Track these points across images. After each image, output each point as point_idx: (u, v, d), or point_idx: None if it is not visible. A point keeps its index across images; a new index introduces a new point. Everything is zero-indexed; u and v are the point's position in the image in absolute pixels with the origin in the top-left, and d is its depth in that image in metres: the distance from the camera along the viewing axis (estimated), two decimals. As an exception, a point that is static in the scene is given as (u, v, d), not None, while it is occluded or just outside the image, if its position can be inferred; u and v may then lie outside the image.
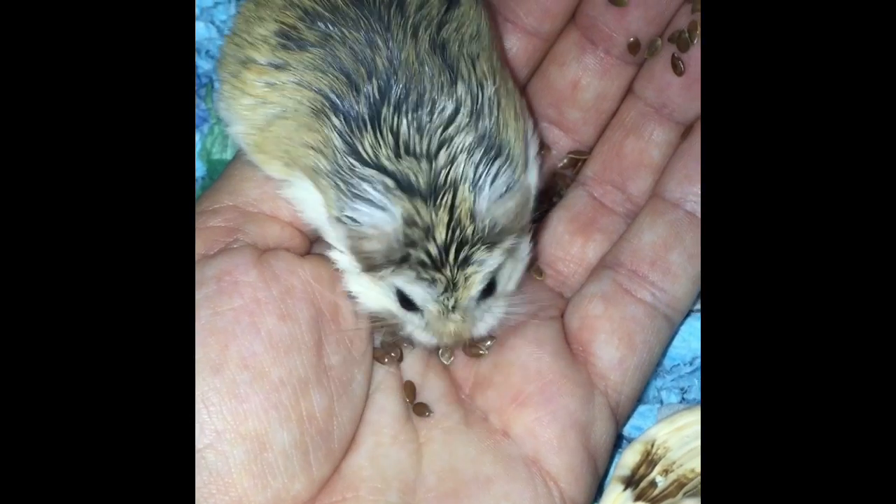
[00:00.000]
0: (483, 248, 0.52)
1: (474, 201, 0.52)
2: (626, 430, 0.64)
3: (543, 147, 0.64)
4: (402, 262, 0.52)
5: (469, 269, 0.52)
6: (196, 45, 0.72)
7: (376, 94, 0.52)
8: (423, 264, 0.52)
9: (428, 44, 0.53)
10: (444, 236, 0.51)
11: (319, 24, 0.53)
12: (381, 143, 0.52)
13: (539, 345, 0.58)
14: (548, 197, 0.65)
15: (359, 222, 0.52)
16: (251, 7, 0.57)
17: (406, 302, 0.54)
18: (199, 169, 0.71)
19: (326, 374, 0.53)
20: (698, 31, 0.60)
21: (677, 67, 0.61)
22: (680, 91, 0.62)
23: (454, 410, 0.57)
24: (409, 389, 0.57)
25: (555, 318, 0.60)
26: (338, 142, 0.52)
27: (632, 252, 0.61)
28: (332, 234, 0.55)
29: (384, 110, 0.52)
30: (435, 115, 0.52)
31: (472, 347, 0.58)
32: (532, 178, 0.56)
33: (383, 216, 0.51)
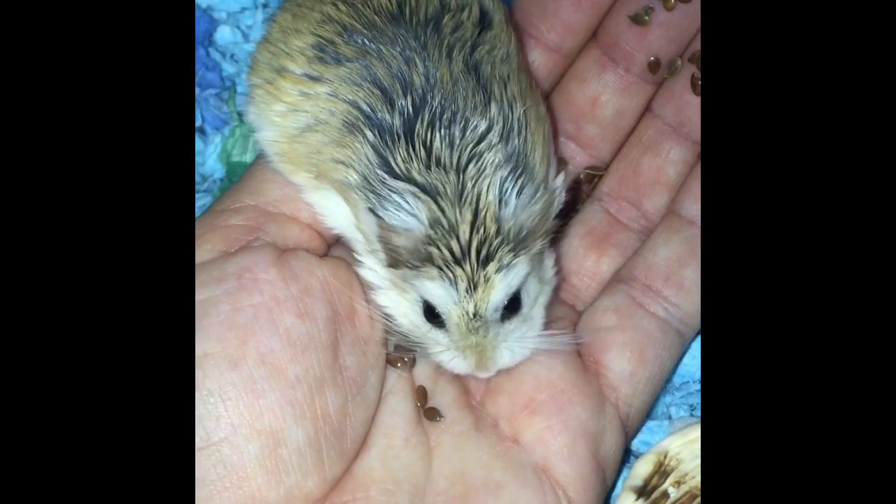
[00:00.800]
0: (506, 248, 0.53)
1: (498, 208, 0.53)
2: (635, 445, 0.65)
3: (561, 161, 0.65)
4: (426, 261, 0.52)
5: (490, 268, 0.52)
6: (222, 49, 0.73)
7: (410, 109, 0.53)
8: (445, 262, 0.52)
9: (462, 64, 0.54)
10: (467, 234, 0.52)
11: (357, 38, 0.54)
12: (414, 156, 0.53)
13: (551, 354, 0.58)
14: (565, 211, 0.65)
15: (388, 224, 0.53)
16: (288, 18, 0.57)
17: (431, 314, 0.54)
18: (219, 170, 0.72)
19: (341, 374, 0.53)
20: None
21: (696, 87, 0.62)
22: (698, 111, 0.63)
23: (465, 416, 0.57)
24: (421, 394, 0.58)
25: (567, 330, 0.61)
26: (371, 155, 0.53)
27: (646, 267, 0.61)
28: (360, 237, 0.55)
29: (418, 125, 0.53)
30: (468, 132, 0.53)
31: None
32: (558, 184, 0.57)
33: (412, 220, 0.52)
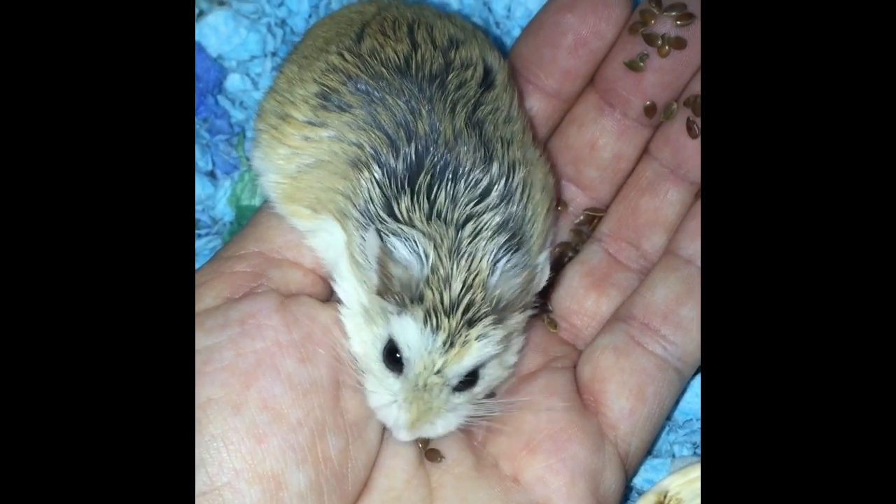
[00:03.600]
0: (489, 320, 0.53)
1: (489, 275, 0.53)
2: (639, 483, 0.65)
3: (561, 204, 0.66)
4: (415, 301, 0.53)
5: (473, 332, 0.53)
6: (231, 97, 0.75)
7: (414, 158, 0.54)
8: (435, 308, 0.53)
9: (465, 119, 0.56)
10: (459, 290, 0.53)
11: (362, 87, 0.56)
12: (417, 207, 0.54)
13: (551, 393, 0.59)
14: (565, 252, 0.66)
15: (391, 251, 0.53)
16: (294, 69, 0.59)
17: (391, 357, 0.54)
18: (228, 214, 0.73)
19: (343, 418, 0.54)
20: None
21: (692, 130, 0.63)
22: (694, 153, 0.63)
23: (466, 457, 0.58)
24: (423, 435, 0.58)
25: (567, 369, 0.61)
26: (375, 192, 0.54)
27: (644, 306, 0.62)
28: (345, 258, 0.56)
29: (421, 176, 0.54)
30: (468, 188, 0.54)
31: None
32: (541, 261, 0.57)
33: (414, 259, 0.53)
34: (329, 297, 0.60)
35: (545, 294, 0.65)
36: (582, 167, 0.66)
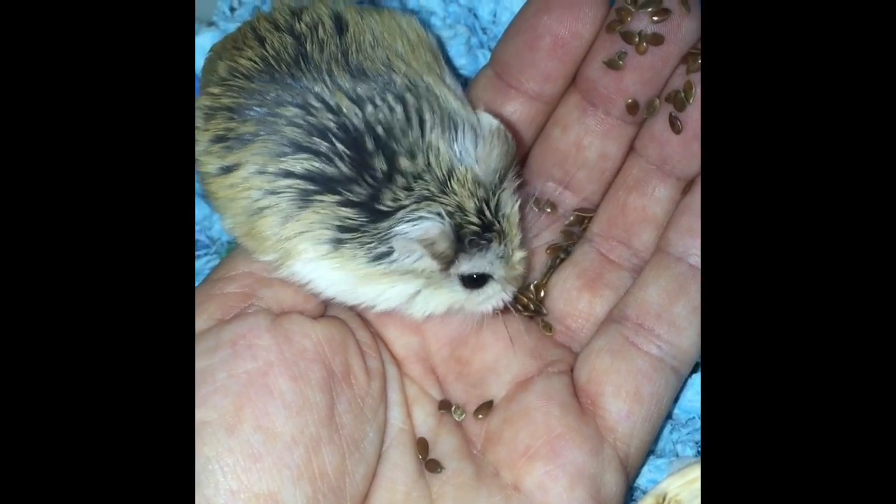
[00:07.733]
0: (502, 192, 0.57)
1: (469, 171, 0.56)
2: (643, 484, 0.65)
3: (550, 205, 0.66)
4: (464, 249, 0.56)
5: (505, 211, 0.57)
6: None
7: (348, 150, 0.55)
8: (476, 235, 0.56)
9: (347, 77, 0.56)
10: (474, 202, 0.56)
11: (247, 113, 0.55)
12: (397, 187, 0.55)
13: (548, 399, 0.59)
14: (556, 253, 0.66)
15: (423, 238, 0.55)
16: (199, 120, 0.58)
17: (472, 281, 0.58)
18: (225, 233, 0.74)
19: (338, 433, 0.54)
20: (693, 91, 0.62)
21: (675, 126, 0.63)
22: (679, 148, 0.63)
23: (466, 466, 0.58)
24: (422, 446, 0.59)
25: (564, 373, 0.62)
26: (345, 212, 0.55)
27: (637, 306, 0.62)
28: (367, 290, 0.58)
29: (372, 158, 0.54)
30: (404, 127, 0.55)
31: (478, 410, 0.60)
32: (488, 120, 0.59)
33: (432, 224, 0.55)
34: (322, 313, 0.60)
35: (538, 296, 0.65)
36: (569, 168, 0.66)
